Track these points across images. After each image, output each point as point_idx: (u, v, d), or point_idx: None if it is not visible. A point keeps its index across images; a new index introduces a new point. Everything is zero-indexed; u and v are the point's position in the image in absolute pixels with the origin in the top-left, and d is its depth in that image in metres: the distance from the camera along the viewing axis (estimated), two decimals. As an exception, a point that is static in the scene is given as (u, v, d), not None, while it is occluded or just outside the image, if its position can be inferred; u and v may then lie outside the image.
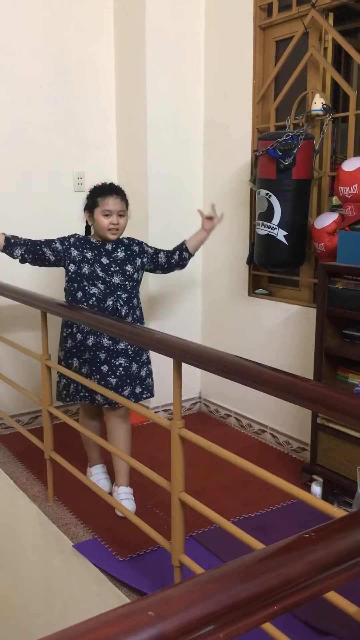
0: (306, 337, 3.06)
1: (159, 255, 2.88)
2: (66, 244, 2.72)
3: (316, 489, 2.75)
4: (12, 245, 2.72)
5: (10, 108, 3.37)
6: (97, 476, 2.87)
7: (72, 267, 2.70)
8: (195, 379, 3.84)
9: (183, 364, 1.86)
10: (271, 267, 3.16)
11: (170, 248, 2.94)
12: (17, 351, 2.98)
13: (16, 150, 3.42)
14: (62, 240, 2.74)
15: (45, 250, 2.71)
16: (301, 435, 3.18)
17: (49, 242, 2.72)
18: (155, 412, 3.55)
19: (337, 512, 1.47)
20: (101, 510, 2.61)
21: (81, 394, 2.69)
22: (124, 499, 2.66)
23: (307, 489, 2.77)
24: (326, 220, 2.83)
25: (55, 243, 2.72)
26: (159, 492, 2.20)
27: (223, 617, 0.66)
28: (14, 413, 3.52)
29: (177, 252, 2.92)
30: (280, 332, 3.29)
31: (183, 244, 2.94)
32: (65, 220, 3.58)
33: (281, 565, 0.73)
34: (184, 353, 1.85)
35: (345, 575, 0.77)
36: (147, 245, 2.86)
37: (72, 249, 2.70)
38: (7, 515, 3.09)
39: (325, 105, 2.91)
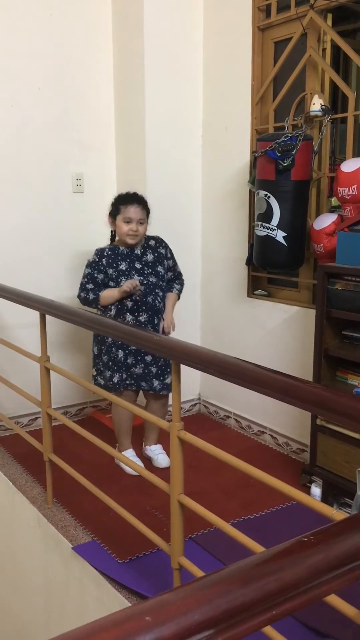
0: (305, 338, 3.05)
1: (169, 273, 3.08)
2: (102, 268, 2.93)
3: (316, 490, 2.74)
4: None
5: (8, 110, 3.37)
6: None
7: (111, 284, 2.93)
8: (194, 380, 3.83)
9: (182, 366, 1.85)
10: (270, 268, 3.15)
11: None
12: (16, 352, 2.98)
13: (14, 152, 3.42)
14: (96, 268, 2.92)
15: (102, 288, 2.92)
16: (301, 436, 3.18)
17: (95, 281, 2.91)
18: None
19: (336, 514, 1.46)
20: (100, 513, 2.61)
21: (127, 382, 2.93)
22: (159, 453, 3.07)
23: (307, 490, 2.76)
24: (325, 221, 2.83)
25: (96, 277, 2.91)
26: (158, 494, 2.20)
27: (221, 622, 0.65)
28: (13, 415, 3.52)
29: (171, 282, 3.12)
30: (279, 333, 3.29)
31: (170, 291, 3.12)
32: (63, 221, 3.59)
33: (280, 570, 0.72)
34: (183, 354, 1.84)
35: (344, 579, 0.77)
36: (171, 252, 3.08)
37: (107, 268, 2.90)
38: (6, 518, 3.09)
39: (324, 106, 2.90)
